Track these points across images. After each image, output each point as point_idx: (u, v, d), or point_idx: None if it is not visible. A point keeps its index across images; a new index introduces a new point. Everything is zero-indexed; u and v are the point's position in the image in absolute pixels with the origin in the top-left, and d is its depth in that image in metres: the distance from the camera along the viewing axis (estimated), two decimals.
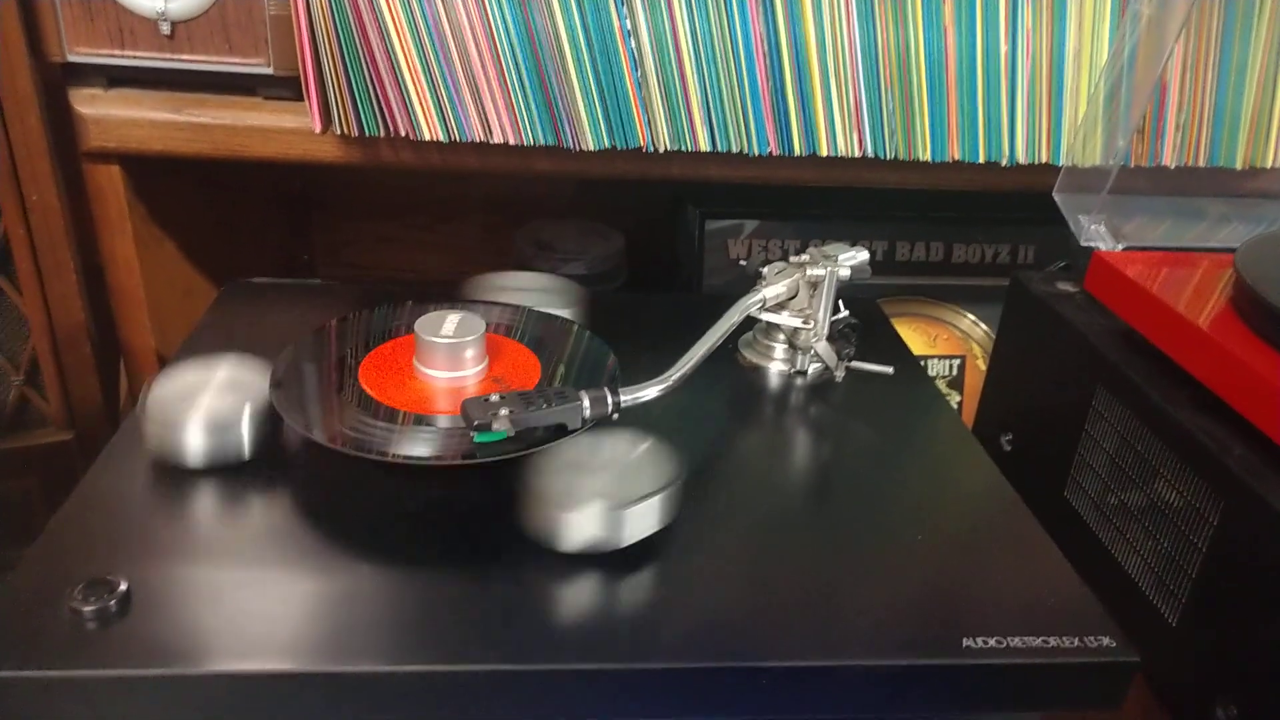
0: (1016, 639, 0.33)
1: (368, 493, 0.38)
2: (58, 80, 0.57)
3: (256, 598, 0.32)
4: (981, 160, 0.59)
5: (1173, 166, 0.61)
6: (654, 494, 0.35)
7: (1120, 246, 0.55)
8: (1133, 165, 0.60)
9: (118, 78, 0.57)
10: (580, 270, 0.75)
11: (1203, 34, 0.58)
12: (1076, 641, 0.33)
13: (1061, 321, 0.53)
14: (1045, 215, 0.58)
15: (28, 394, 0.62)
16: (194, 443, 0.37)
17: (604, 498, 0.34)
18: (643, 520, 0.35)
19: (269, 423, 0.39)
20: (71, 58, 0.55)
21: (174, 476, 0.38)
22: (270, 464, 0.39)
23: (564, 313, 0.50)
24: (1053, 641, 0.33)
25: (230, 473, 0.38)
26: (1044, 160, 0.60)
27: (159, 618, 0.31)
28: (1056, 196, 0.57)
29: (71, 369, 0.62)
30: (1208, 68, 0.59)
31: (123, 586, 0.31)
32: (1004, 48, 0.57)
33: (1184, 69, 0.59)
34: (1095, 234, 0.56)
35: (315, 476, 0.39)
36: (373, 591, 0.33)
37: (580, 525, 0.34)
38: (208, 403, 0.38)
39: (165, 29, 0.55)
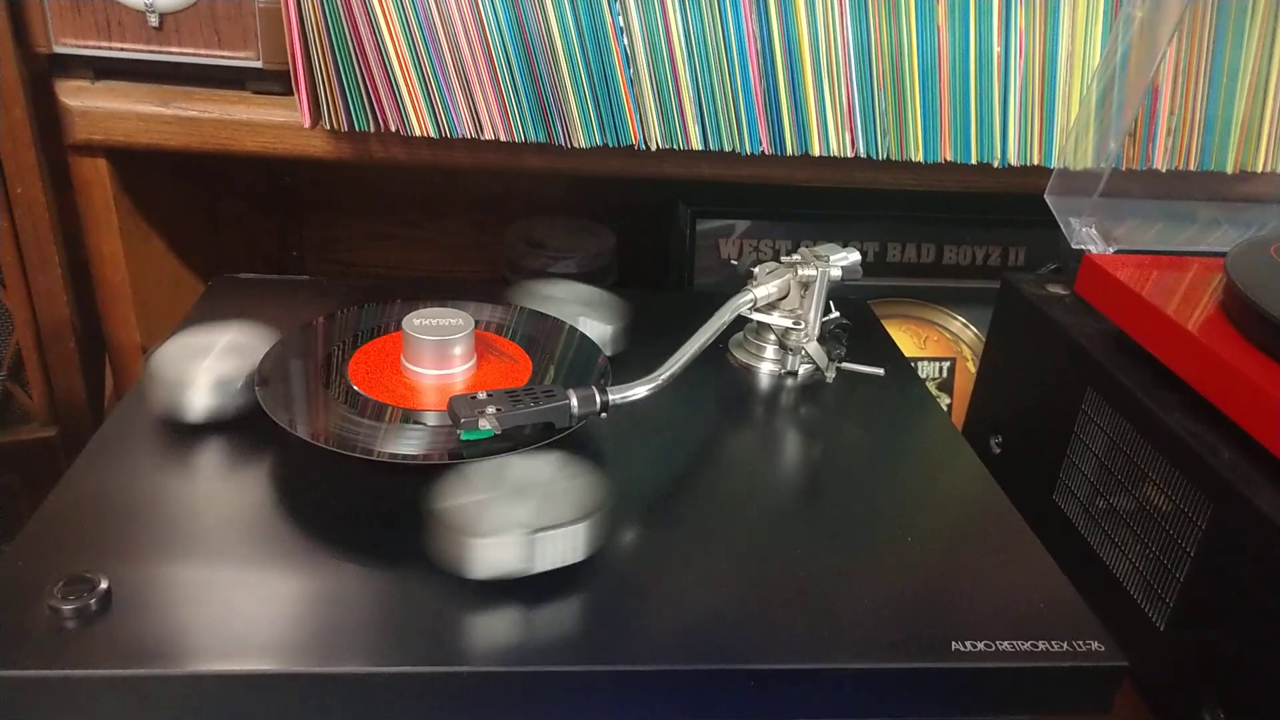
0: (1005, 642, 0.33)
1: (353, 490, 0.38)
2: (44, 72, 0.56)
3: (239, 597, 0.32)
4: (974, 161, 0.59)
5: (1164, 170, 0.61)
6: (573, 522, 0.33)
7: (1111, 249, 0.55)
8: (1124, 168, 0.60)
9: (105, 70, 0.57)
10: (570, 268, 0.74)
11: (1195, 38, 0.58)
12: (1065, 645, 0.33)
13: (1052, 324, 0.53)
14: (1036, 217, 0.58)
15: (11, 389, 0.62)
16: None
17: (520, 525, 0.32)
18: (559, 549, 0.33)
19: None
20: (58, 49, 0.55)
21: (158, 473, 0.37)
22: (256, 460, 0.39)
23: (606, 328, 0.49)
24: (1041, 645, 0.33)
25: (216, 469, 0.38)
26: (1036, 162, 0.60)
27: (140, 617, 0.30)
28: (1048, 199, 0.57)
29: (55, 364, 0.62)
30: (1199, 72, 0.59)
31: (103, 585, 0.31)
32: (997, 49, 0.57)
33: (1176, 73, 0.59)
34: (1086, 236, 0.56)
35: (300, 472, 0.38)
36: (357, 591, 0.33)
37: (493, 553, 0.32)
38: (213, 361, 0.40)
39: (153, 21, 0.54)
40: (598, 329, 0.48)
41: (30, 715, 0.29)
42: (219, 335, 0.43)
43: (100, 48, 0.55)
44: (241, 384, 0.40)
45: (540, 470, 0.35)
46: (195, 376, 0.40)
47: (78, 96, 0.56)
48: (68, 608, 0.30)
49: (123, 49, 0.55)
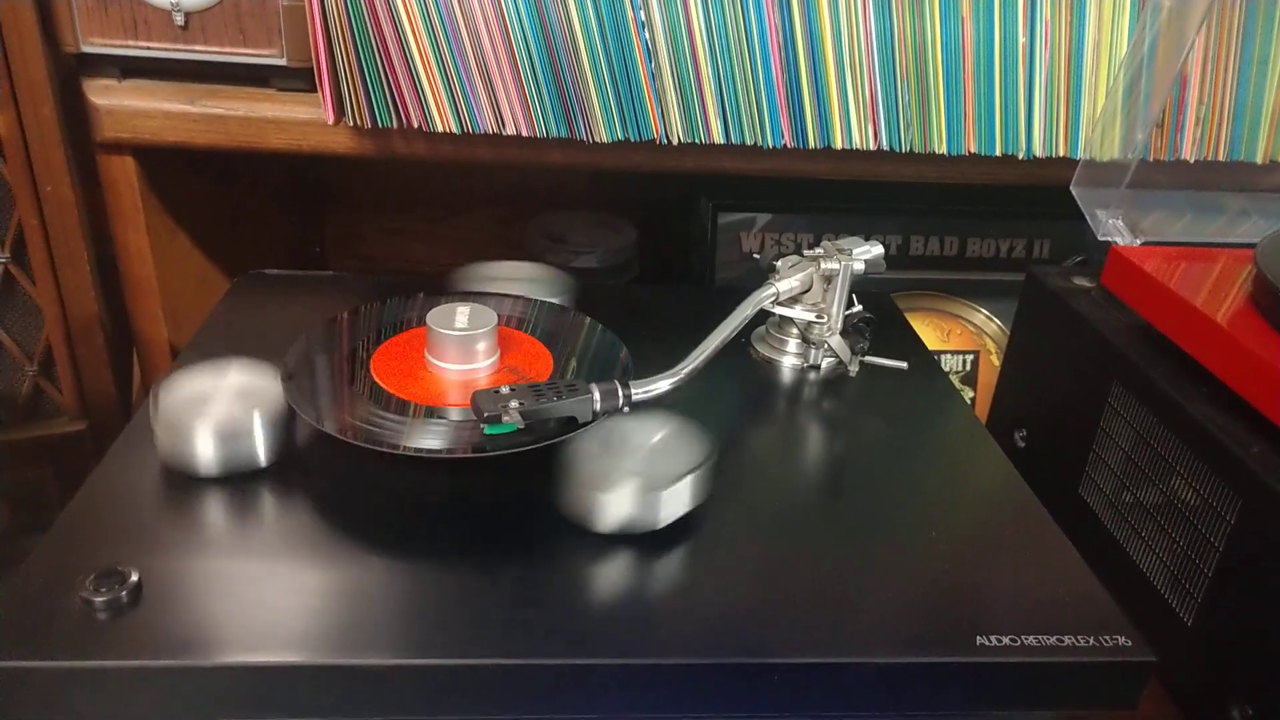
0: (1031, 637, 0.32)
1: (379, 484, 0.38)
2: (72, 71, 0.57)
3: (267, 589, 0.32)
4: (998, 154, 0.59)
5: (1192, 160, 0.60)
6: (687, 473, 0.35)
7: (1138, 241, 0.55)
8: (1152, 159, 0.59)
9: (132, 68, 0.57)
10: (592, 263, 0.74)
11: (1224, 26, 0.57)
12: (1092, 640, 0.33)
13: (1077, 317, 0.53)
14: (1062, 209, 0.57)
15: (41, 384, 0.62)
16: (206, 453, 0.37)
17: (639, 477, 0.35)
18: (677, 500, 0.35)
19: (283, 428, 0.38)
20: (86, 48, 0.55)
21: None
22: (282, 459, 0.39)
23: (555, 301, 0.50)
24: (1068, 640, 0.32)
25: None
26: (1061, 154, 0.59)
27: (170, 608, 0.31)
28: (1074, 190, 0.56)
29: (85, 359, 0.62)
30: (1229, 60, 0.58)
31: (134, 577, 0.31)
32: (1022, 39, 0.56)
33: (1205, 61, 0.58)
34: (1113, 228, 0.55)
35: (326, 468, 0.39)
36: (383, 584, 0.33)
37: (617, 505, 0.35)
38: (219, 410, 0.37)
39: (179, 20, 0.55)
40: None
41: (62, 705, 0.30)
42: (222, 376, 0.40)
43: (127, 47, 0.56)
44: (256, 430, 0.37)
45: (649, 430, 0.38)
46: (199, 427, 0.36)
47: (105, 95, 0.57)
48: (99, 600, 0.30)
49: (149, 48, 0.56)
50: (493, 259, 0.56)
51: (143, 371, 0.66)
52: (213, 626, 0.30)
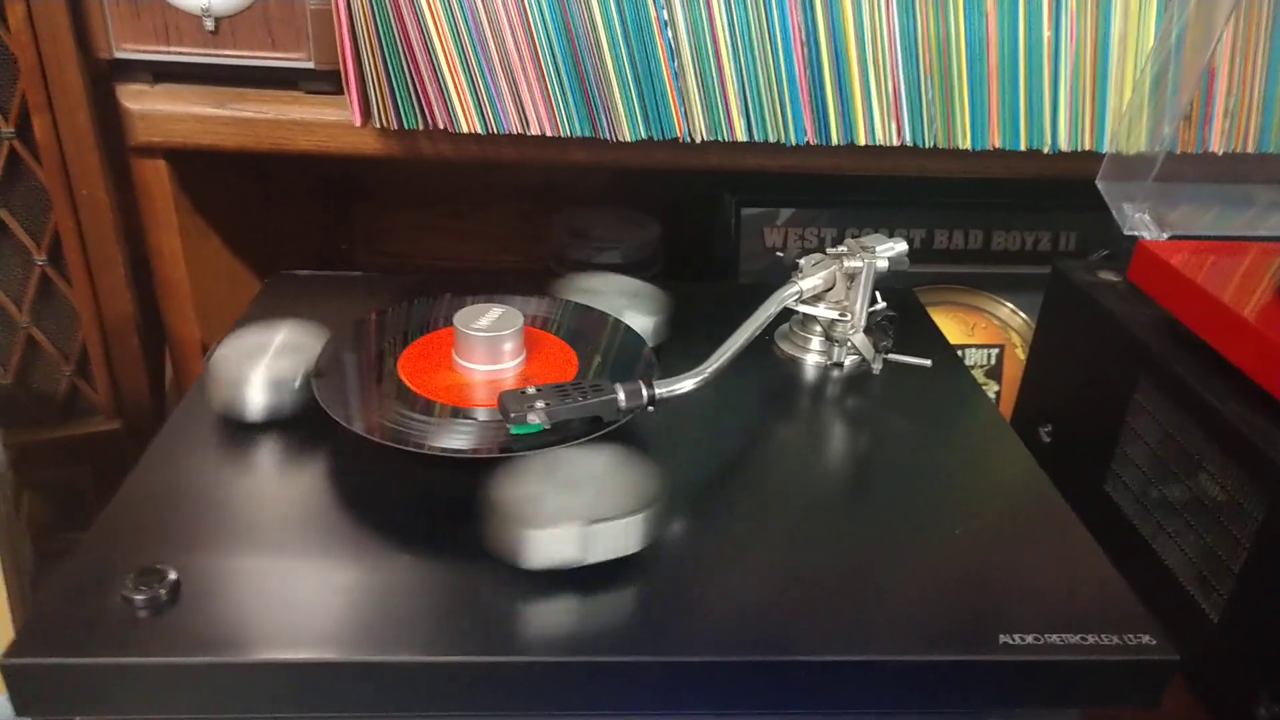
0: (1054, 636, 0.33)
1: (409, 484, 0.39)
2: (105, 76, 0.58)
3: (301, 588, 0.33)
4: (1023, 148, 0.59)
5: (1220, 153, 0.60)
6: (629, 514, 0.33)
7: (1165, 235, 0.54)
8: (1179, 152, 0.59)
9: (163, 73, 0.58)
10: (615, 259, 0.75)
11: (1253, 17, 0.57)
12: (1115, 639, 0.33)
13: (1103, 311, 0.52)
14: (1087, 203, 0.57)
15: (77, 384, 0.64)
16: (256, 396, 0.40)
17: (576, 516, 0.33)
18: (614, 540, 0.33)
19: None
20: (118, 54, 0.56)
21: (221, 468, 0.39)
22: (314, 455, 0.40)
23: (649, 320, 0.49)
24: (1091, 639, 0.33)
25: (276, 464, 0.39)
26: (1087, 147, 0.59)
27: (208, 606, 0.32)
28: (1100, 184, 0.56)
29: (120, 359, 0.64)
30: (1258, 51, 0.57)
31: (172, 576, 0.32)
32: (1047, 32, 0.56)
33: (1233, 53, 0.57)
34: (1139, 222, 0.55)
35: (356, 468, 0.39)
36: (414, 583, 0.34)
37: (548, 544, 0.33)
38: (269, 361, 0.41)
39: (209, 25, 0.56)
40: (640, 321, 0.48)
41: (102, 701, 0.31)
42: (274, 334, 0.44)
43: (159, 52, 0.57)
44: (298, 383, 0.41)
45: (595, 463, 0.36)
46: (252, 376, 0.41)
47: (138, 100, 0.58)
48: (140, 598, 0.31)
49: (180, 52, 0.57)
50: (516, 254, 0.56)
51: (175, 371, 0.67)
52: (249, 624, 0.31)
